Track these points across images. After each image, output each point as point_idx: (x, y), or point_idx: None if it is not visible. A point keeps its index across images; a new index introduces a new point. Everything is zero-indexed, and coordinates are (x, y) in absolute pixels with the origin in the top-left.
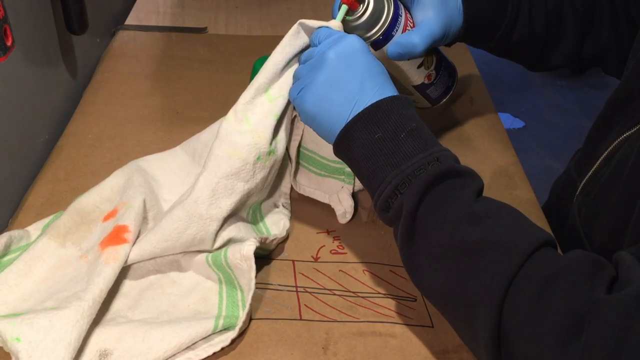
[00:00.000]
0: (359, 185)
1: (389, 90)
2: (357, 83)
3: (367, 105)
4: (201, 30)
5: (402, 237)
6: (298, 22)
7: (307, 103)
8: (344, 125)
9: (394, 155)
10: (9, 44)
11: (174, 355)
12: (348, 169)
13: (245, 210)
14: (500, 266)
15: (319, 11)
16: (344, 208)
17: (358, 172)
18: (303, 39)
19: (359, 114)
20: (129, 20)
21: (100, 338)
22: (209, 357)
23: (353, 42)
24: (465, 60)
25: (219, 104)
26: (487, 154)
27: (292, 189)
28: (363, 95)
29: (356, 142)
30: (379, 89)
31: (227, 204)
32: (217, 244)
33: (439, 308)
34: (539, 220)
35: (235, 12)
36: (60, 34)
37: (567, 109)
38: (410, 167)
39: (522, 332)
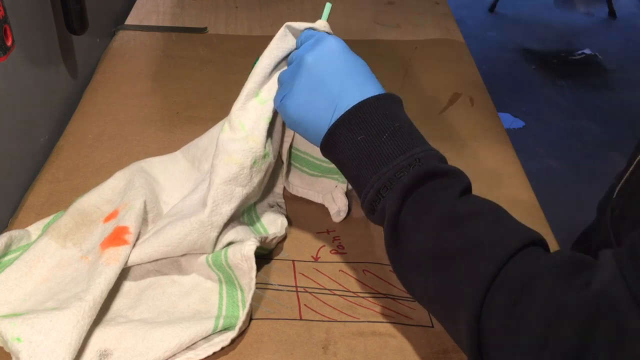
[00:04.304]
0: None
1: (372, 89)
2: (336, 85)
3: (348, 108)
4: (201, 30)
5: (387, 240)
6: (285, 24)
7: (290, 109)
8: (327, 130)
9: (376, 157)
10: (9, 44)
11: (174, 355)
12: None
13: (241, 213)
14: (478, 273)
15: (320, 11)
16: (337, 207)
17: (345, 174)
18: (291, 42)
19: (341, 117)
20: (129, 20)
21: (101, 338)
22: (209, 357)
23: (330, 44)
24: (465, 60)
25: (219, 104)
26: (487, 154)
27: (285, 188)
28: (343, 97)
29: (340, 145)
30: (360, 89)
31: (227, 210)
32: (217, 249)
33: (427, 309)
34: (539, 220)
35: (235, 12)
36: (60, 34)
37: (567, 109)
38: (390, 170)
39: (499, 342)
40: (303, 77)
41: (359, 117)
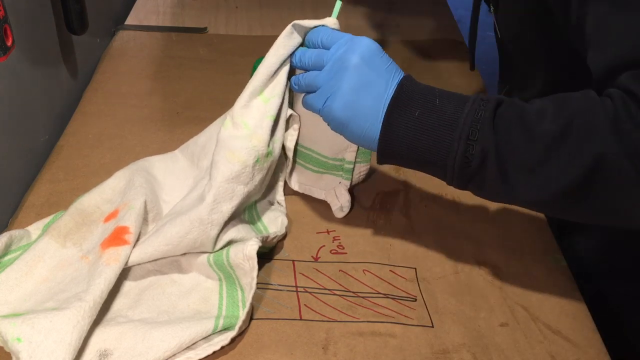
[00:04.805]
0: (355, 180)
1: (401, 75)
2: (382, 83)
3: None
4: (201, 30)
5: (495, 175)
6: (292, 23)
7: (337, 111)
8: (381, 122)
9: (444, 118)
10: (9, 44)
11: (174, 355)
12: (347, 165)
13: (242, 211)
14: (594, 119)
15: (320, 11)
16: (340, 203)
17: (414, 159)
18: (296, 39)
19: (389, 105)
20: (129, 20)
21: (101, 338)
22: (209, 356)
23: (369, 43)
24: (465, 60)
25: (219, 104)
26: None
27: (285, 186)
28: (389, 92)
29: (400, 129)
30: (397, 80)
31: (228, 208)
32: (218, 247)
33: (573, 209)
34: (540, 221)
35: (235, 12)
36: (60, 34)
37: None
38: (468, 116)
39: None
40: (349, 77)
41: (405, 97)
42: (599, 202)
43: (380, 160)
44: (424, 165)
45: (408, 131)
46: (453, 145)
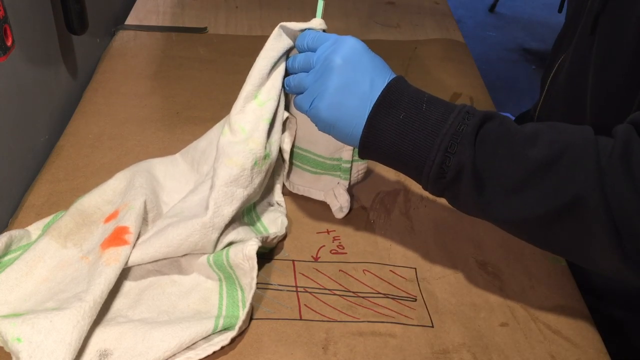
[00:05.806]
0: (354, 179)
1: (391, 76)
2: (367, 82)
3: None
4: (201, 30)
5: (470, 190)
6: (279, 25)
7: (323, 112)
8: (365, 121)
9: (427, 125)
10: (9, 44)
11: (174, 355)
12: (344, 165)
13: (241, 214)
14: (584, 159)
15: None
16: (339, 203)
17: (393, 159)
18: (286, 41)
19: (375, 105)
20: (129, 20)
21: (101, 338)
22: (209, 356)
23: (354, 43)
24: (465, 60)
25: (219, 104)
26: None
27: (284, 186)
28: (375, 92)
29: (383, 131)
30: (386, 82)
31: (228, 212)
32: (218, 249)
33: (538, 236)
34: None
35: (235, 12)
36: (60, 34)
37: None
38: (451, 127)
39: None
40: (334, 78)
41: (392, 99)
42: (564, 237)
43: (362, 154)
44: (403, 167)
45: (391, 132)
46: (431, 155)
